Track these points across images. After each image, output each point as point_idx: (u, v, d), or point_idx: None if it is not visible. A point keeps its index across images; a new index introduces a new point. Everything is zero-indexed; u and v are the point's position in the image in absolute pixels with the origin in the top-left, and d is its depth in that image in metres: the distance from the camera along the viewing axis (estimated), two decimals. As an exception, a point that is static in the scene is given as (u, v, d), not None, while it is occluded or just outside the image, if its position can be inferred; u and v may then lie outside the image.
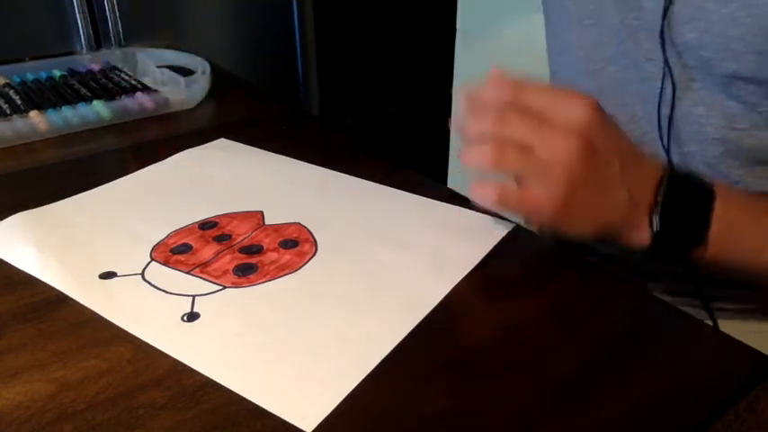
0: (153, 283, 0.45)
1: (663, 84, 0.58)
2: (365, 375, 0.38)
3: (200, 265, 0.47)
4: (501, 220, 0.53)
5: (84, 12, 1.12)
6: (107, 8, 1.14)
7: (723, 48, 0.53)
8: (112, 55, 0.89)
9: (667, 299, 0.48)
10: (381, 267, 0.47)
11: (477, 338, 0.42)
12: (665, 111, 0.58)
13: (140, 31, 1.20)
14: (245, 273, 0.46)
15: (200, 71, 0.80)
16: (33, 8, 1.10)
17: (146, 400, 0.36)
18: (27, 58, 0.85)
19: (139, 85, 0.78)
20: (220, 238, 0.50)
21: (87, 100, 0.73)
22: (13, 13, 1.08)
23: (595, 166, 0.45)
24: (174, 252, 0.49)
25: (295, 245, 0.50)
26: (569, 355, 0.40)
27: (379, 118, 1.73)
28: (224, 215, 0.54)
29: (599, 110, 0.45)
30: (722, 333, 0.42)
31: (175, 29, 1.28)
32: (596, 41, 0.62)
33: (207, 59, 0.84)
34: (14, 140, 0.67)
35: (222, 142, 0.67)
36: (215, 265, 0.47)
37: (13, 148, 0.67)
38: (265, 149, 0.64)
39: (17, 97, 0.73)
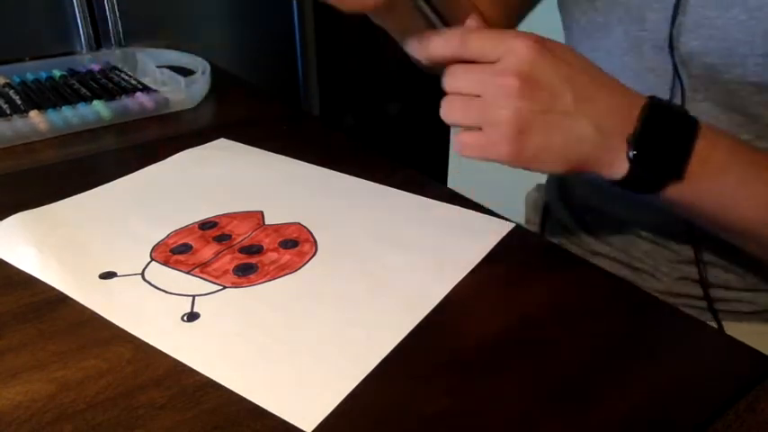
0: (153, 283, 0.45)
1: (672, 93, 0.58)
2: (365, 375, 0.38)
3: (201, 265, 0.47)
4: (501, 220, 0.53)
5: (84, 12, 1.12)
6: (107, 8, 1.14)
7: (728, 53, 0.53)
8: (112, 55, 0.89)
9: (669, 300, 0.48)
10: (381, 267, 0.47)
11: (477, 338, 0.42)
12: None
13: (140, 31, 1.20)
14: (245, 273, 0.46)
15: (200, 71, 0.80)
16: (33, 8, 1.10)
17: (146, 400, 0.36)
18: (27, 58, 0.85)
19: (139, 85, 0.78)
20: (220, 238, 0.50)
21: (87, 100, 0.73)
22: (13, 13, 1.08)
23: (540, 100, 0.44)
24: (174, 252, 0.49)
25: (295, 245, 0.50)
26: (569, 355, 0.40)
27: (379, 118, 1.73)
28: (224, 215, 0.54)
29: (539, 43, 0.45)
30: (722, 333, 0.43)
31: (175, 29, 1.28)
32: (604, 54, 0.62)
33: (207, 59, 0.84)
34: (14, 140, 0.67)
35: (222, 142, 0.67)
36: (215, 265, 0.47)
37: (13, 148, 0.67)
38: (265, 149, 0.64)
39: (17, 97, 0.73)
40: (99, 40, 1.15)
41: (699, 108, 0.57)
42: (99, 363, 0.39)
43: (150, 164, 0.62)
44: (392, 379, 0.38)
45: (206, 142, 0.66)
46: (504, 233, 0.52)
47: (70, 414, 0.35)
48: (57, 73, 0.82)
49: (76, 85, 0.78)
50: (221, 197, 0.56)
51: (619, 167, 0.46)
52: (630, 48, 0.59)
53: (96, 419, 0.35)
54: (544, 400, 0.37)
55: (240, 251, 0.49)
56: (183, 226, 0.52)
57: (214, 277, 0.46)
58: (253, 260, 0.48)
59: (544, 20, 0.77)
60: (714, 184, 0.47)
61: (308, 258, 0.48)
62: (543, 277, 0.48)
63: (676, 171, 0.46)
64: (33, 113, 0.70)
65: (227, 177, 0.60)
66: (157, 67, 0.82)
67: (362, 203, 0.56)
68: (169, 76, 0.80)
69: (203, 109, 0.77)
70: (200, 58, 0.84)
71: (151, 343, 0.40)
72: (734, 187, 0.47)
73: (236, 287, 0.45)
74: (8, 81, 0.78)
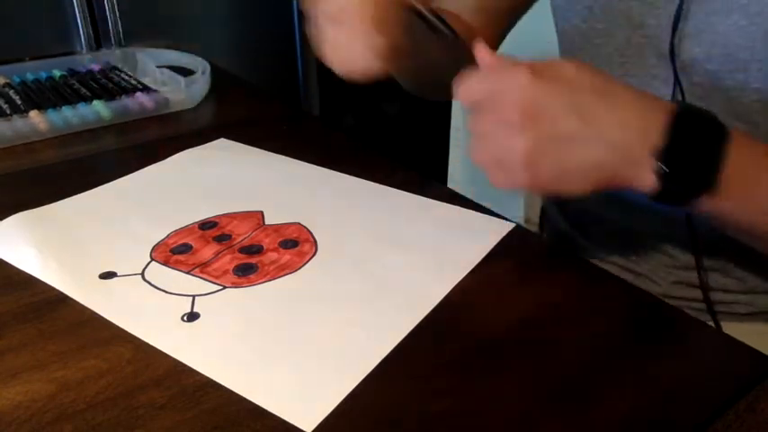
0: (153, 283, 0.45)
1: (673, 101, 0.58)
2: (365, 375, 0.38)
3: (201, 265, 0.47)
4: (501, 221, 0.53)
5: (84, 12, 1.12)
6: (107, 8, 1.14)
7: (730, 59, 0.53)
8: (112, 55, 0.89)
9: (670, 302, 0.48)
10: (381, 267, 0.47)
11: (477, 338, 0.42)
12: None
13: (140, 31, 1.20)
14: (245, 273, 0.46)
15: (200, 71, 0.80)
16: (33, 8, 1.09)
17: (146, 400, 0.36)
18: (27, 58, 0.85)
19: (139, 85, 0.78)
20: (220, 238, 0.50)
21: (87, 100, 0.73)
22: (13, 13, 1.08)
23: (542, 128, 0.44)
24: (174, 252, 0.49)
25: (295, 245, 0.50)
26: (569, 355, 0.40)
27: (379, 118, 1.72)
28: (224, 215, 0.54)
29: (531, 72, 0.44)
30: (722, 333, 0.43)
31: (175, 29, 1.28)
32: (605, 60, 0.62)
33: (207, 59, 0.84)
34: (14, 140, 0.67)
35: (222, 142, 0.67)
36: (215, 265, 0.47)
37: (13, 148, 0.67)
38: (265, 149, 0.64)
39: (17, 97, 0.73)
40: (99, 40, 1.15)
41: None
42: (99, 363, 0.39)
43: (150, 164, 0.62)
44: (392, 379, 0.38)
45: (206, 142, 0.66)
46: (504, 233, 0.52)
47: (70, 414, 0.35)
48: (57, 73, 0.82)
49: (76, 85, 0.78)
50: (221, 197, 0.56)
51: (647, 181, 0.44)
52: (632, 54, 0.59)
53: (96, 419, 0.35)
54: (544, 400, 0.37)
55: (240, 251, 0.49)
56: (182, 226, 0.52)
57: (214, 277, 0.46)
58: (253, 260, 0.48)
59: (535, 28, 0.77)
60: (749, 192, 0.45)
61: (308, 258, 0.48)
62: (543, 277, 0.48)
63: (708, 183, 0.43)
64: (33, 113, 0.70)
65: (227, 177, 0.60)
66: (157, 67, 0.82)
67: (362, 203, 0.56)
68: (169, 76, 0.80)
69: (203, 109, 0.77)
70: (200, 58, 0.84)
71: (151, 343, 0.40)
72: None
73: (236, 287, 0.45)
74: (8, 81, 0.78)
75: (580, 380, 0.38)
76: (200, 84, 0.78)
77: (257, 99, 0.83)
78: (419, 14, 0.50)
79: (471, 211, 0.55)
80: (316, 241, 0.50)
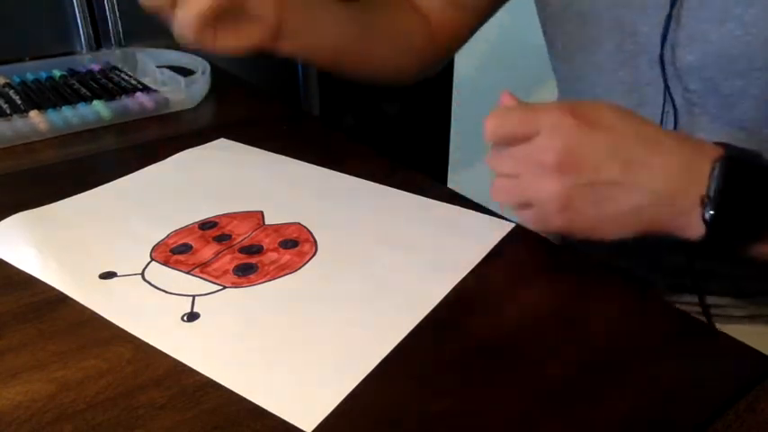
0: (153, 283, 0.45)
1: (664, 108, 0.57)
2: (365, 375, 0.38)
3: (201, 265, 0.47)
4: (501, 220, 0.53)
5: (84, 12, 1.11)
6: (107, 8, 1.14)
7: (727, 67, 0.52)
8: (112, 55, 0.89)
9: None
10: (381, 267, 0.47)
11: (477, 338, 0.42)
12: None
13: (140, 31, 1.19)
14: (245, 273, 0.46)
15: (200, 71, 0.80)
16: (33, 8, 1.09)
17: (146, 400, 0.36)
18: (27, 58, 0.85)
19: (139, 85, 0.78)
20: (220, 238, 0.50)
21: (87, 100, 0.73)
22: (13, 13, 1.08)
23: (583, 173, 0.43)
24: (174, 252, 0.49)
25: (295, 245, 0.50)
26: (569, 355, 0.40)
27: (379, 118, 1.72)
28: (224, 215, 0.54)
29: (572, 114, 0.43)
30: (722, 333, 0.42)
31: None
32: (597, 68, 0.61)
33: (207, 59, 0.84)
34: (14, 140, 0.67)
35: (222, 142, 0.67)
36: (215, 265, 0.47)
37: (13, 148, 0.67)
38: (265, 149, 0.64)
39: (17, 97, 0.73)
40: (99, 40, 1.15)
41: (697, 122, 0.56)
42: (99, 363, 0.39)
43: (150, 164, 0.62)
44: (392, 379, 0.38)
45: (206, 142, 0.66)
46: (504, 233, 0.52)
47: (70, 414, 0.35)
48: (57, 73, 0.82)
49: (76, 85, 0.78)
50: (221, 197, 0.56)
51: (694, 229, 0.43)
52: (624, 61, 0.58)
53: (96, 419, 0.35)
54: (544, 400, 0.37)
55: (240, 251, 0.49)
56: (183, 226, 0.52)
57: (214, 277, 0.46)
58: (253, 260, 0.48)
59: (524, 38, 0.77)
60: None
61: (308, 258, 0.48)
62: (544, 277, 0.48)
63: (759, 230, 0.42)
64: (33, 113, 0.70)
65: (227, 177, 0.60)
66: (157, 67, 0.82)
67: (362, 203, 0.56)
68: (169, 76, 0.80)
69: (203, 109, 0.77)
70: (200, 58, 0.84)
71: (151, 343, 0.40)
72: None
73: (236, 287, 0.45)
74: (8, 81, 0.78)
75: (580, 380, 0.38)
76: (200, 84, 0.78)
77: (257, 99, 0.83)
78: None
79: (471, 211, 0.55)
80: (316, 241, 0.50)
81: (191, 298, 0.44)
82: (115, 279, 0.46)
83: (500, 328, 0.43)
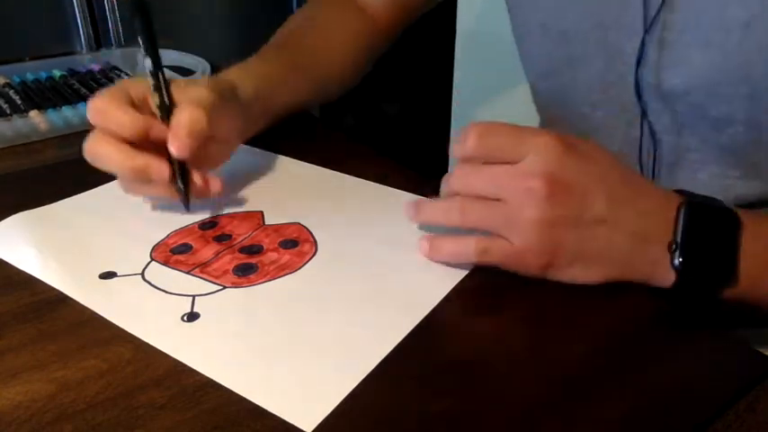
0: (153, 283, 0.45)
1: (642, 130, 0.57)
2: (365, 375, 0.38)
3: (201, 265, 0.47)
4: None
5: (84, 12, 1.11)
6: (107, 8, 1.14)
7: (713, 92, 0.52)
8: (112, 55, 0.89)
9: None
10: (381, 267, 0.47)
11: (478, 338, 0.42)
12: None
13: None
14: (245, 273, 0.46)
15: (200, 71, 0.80)
16: (33, 8, 1.09)
17: (146, 400, 0.36)
18: (27, 58, 0.85)
19: (139, 85, 0.78)
20: (220, 238, 0.50)
21: (87, 100, 0.73)
22: (13, 13, 1.08)
23: (571, 205, 0.41)
24: (174, 252, 0.49)
25: (295, 245, 0.50)
26: (569, 354, 0.40)
27: (379, 118, 1.72)
28: (224, 215, 0.54)
29: (563, 141, 0.42)
30: (722, 333, 0.42)
31: (175, 29, 1.28)
32: (582, 87, 0.61)
33: (207, 59, 0.84)
34: (14, 140, 0.67)
35: (222, 142, 0.67)
36: (215, 265, 0.47)
37: (13, 148, 0.67)
38: (266, 150, 0.63)
39: (17, 97, 0.73)
40: (99, 40, 1.15)
41: (686, 144, 0.56)
42: (99, 363, 0.39)
43: (150, 164, 0.62)
44: (392, 379, 0.38)
45: (206, 142, 0.66)
46: (504, 233, 0.51)
47: (70, 414, 0.35)
48: (57, 73, 0.82)
49: (76, 85, 0.78)
50: (221, 197, 0.56)
51: (663, 277, 0.42)
52: (614, 81, 0.58)
53: (96, 419, 0.35)
54: (544, 400, 0.37)
55: (240, 251, 0.49)
56: (182, 226, 0.52)
57: (214, 277, 0.46)
58: (253, 260, 0.48)
59: (499, 58, 0.77)
60: (766, 273, 0.43)
61: (308, 258, 0.48)
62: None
63: (728, 274, 0.42)
64: (33, 113, 0.70)
65: (228, 177, 0.60)
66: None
67: (362, 203, 0.56)
68: (169, 76, 0.80)
69: (203, 109, 0.77)
70: (200, 58, 0.84)
71: (151, 343, 0.40)
72: None
73: (236, 287, 0.45)
74: (8, 81, 0.78)
75: (580, 380, 0.38)
76: (200, 84, 0.78)
77: (257, 99, 0.83)
78: None
79: (471, 211, 0.55)
80: (316, 241, 0.50)
81: (191, 298, 0.44)
82: (115, 279, 0.46)
83: (500, 328, 0.43)
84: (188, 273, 0.47)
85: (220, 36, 1.37)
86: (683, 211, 0.42)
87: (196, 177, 0.51)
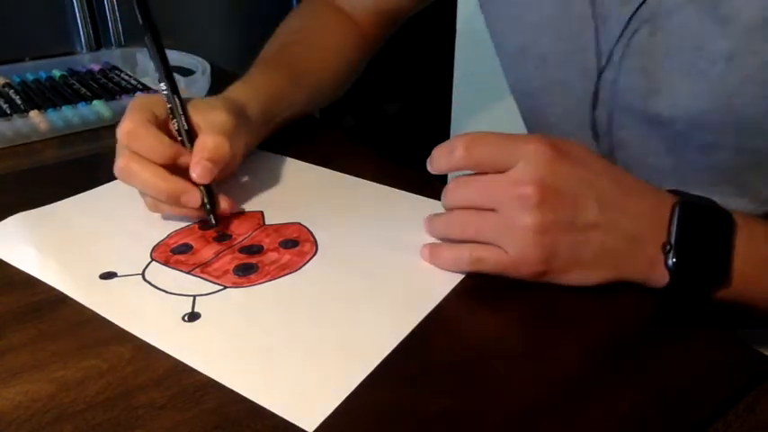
0: (153, 283, 0.45)
1: (615, 151, 0.57)
2: (366, 375, 0.38)
3: (201, 265, 0.47)
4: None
5: (84, 12, 1.12)
6: (107, 8, 1.14)
7: (697, 121, 0.51)
8: (112, 55, 0.89)
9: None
10: (382, 267, 0.47)
11: (478, 338, 0.42)
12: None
13: (140, 32, 1.20)
14: (246, 273, 0.46)
15: (200, 71, 0.80)
16: (33, 8, 1.09)
17: (146, 400, 0.36)
18: (27, 58, 0.85)
19: (139, 85, 0.78)
20: (221, 238, 0.50)
21: (87, 100, 0.73)
22: (13, 13, 1.08)
23: (564, 211, 0.41)
24: (174, 252, 0.49)
25: (295, 245, 0.50)
26: (569, 355, 0.40)
27: (379, 118, 1.72)
28: (224, 215, 0.53)
29: (554, 147, 0.42)
30: (722, 333, 0.42)
31: (175, 29, 1.28)
32: (568, 110, 0.61)
33: (207, 59, 0.84)
34: (15, 140, 0.67)
35: (222, 142, 0.67)
36: (215, 265, 0.47)
37: (14, 148, 0.67)
38: (265, 150, 0.63)
39: (17, 97, 0.73)
40: (99, 40, 1.15)
41: (675, 165, 0.56)
42: (99, 363, 0.39)
43: (150, 164, 0.62)
44: (392, 379, 0.38)
45: (206, 142, 0.66)
46: (504, 233, 0.51)
47: (70, 414, 0.35)
48: (57, 73, 0.82)
49: (76, 85, 0.78)
50: (215, 191, 0.56)
51: (658, 277, 0.43)
52: (598, 105, 0.58)
53: (96, 419, 0.35)
54: (544, 400, 0.37)
55: (240, 251, 0.49)
56: (183, 226, 0.52)
57: (214, 277, 0.46)
58: (253, 260, 0.48)
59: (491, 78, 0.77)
60: (762, 276, 0.43)
61: (308, 258, 0.48)
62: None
63: (722, 275, 0.42)
64: (33, 113, 0.70)
65: (228, 178, 0.60)
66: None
67: (362, 203, 0.56)
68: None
69: (203, 109, 0.77)
70: (200, 58, 0.84)
71: (151, 343, 0.40)
72: None
73: (236, 287, 0.45)
74: (8, 81, 0.78)
75: (580, 380, 0.38)
76: (200, 84, 0.78)
77: (257, 99, 0.83)
78: None
79: (471, 211, 0.55)
80: (316, 241, 0.50)
81: (191, 298, 0.44)
82: (115, 279, 0.46)
83: (500, 328, 0.43)
84: (188, 273, 0.47)
85: (220, 36, 1.38)
86: (676, 211, 0.42)
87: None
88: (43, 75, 0.82)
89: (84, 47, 1.13)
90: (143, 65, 0.86)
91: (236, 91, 0.59)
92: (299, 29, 0.74)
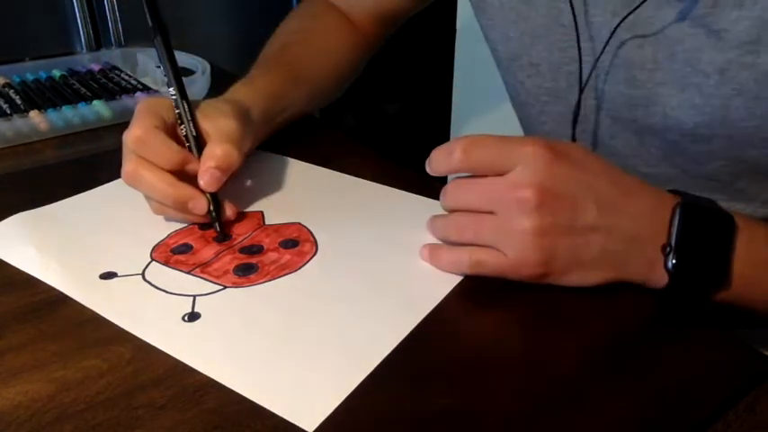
0: (153, 283, 0.45)
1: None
2: (366, 375, 0.38)
3: (201, 265, 0.47)
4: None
5: (84, 12, 1.12)
6: (107, 8, 1.14)
7: (691, 133, 0.51)
8: (112, 55, 0.89)
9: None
10: (381, 267, 0.47)
11: (478, 338, 0.42)
12: None
13: (140, 31, 1.20)
14: (246, 273, 0.46)
15: (200, 71, 0.80)
16: (33, 8, 1.09)
17: (146, 400, 0.36)
18: (27, 58, 0.85)
19: (139, 85, 0.78)
20: (219, 239, 0.50)
21: (87, 100, 0.73)
22: (13, 13, 1.08)
23: (562, 214, 0.41)
24: (174, 252, 0.49)
25: (295, 245, 0.50)
26: (569, 355, 0.40)
27: (379, 118, 1.73)
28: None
29: (552, 149, 0.42)
30: (722, 333, 0.42)
31: (175, 29, 1.28)
32: (557, 119, 0.61)
33: (207, 59, 0.84)
34: (15, 140, 0.67)
35: (222, 142, 0.67)
36: (215, 265, 0.47)
37: (14, 148, 0.67)
38: (265, 149, 0.63)
39: (17, 97, 0.73)
40: (99, 40, 1.15)
41: (666, 174, 0.56)
42: (99, 363, 0.39)
43: (150, 164, 0.62)
44: (392, 379, 0.38)
45: (206, 142, 0.66)
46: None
47: (70, 414, 0.35)
48: (57, 73, 0.82)
49: (76, 85, 0.78)
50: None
51: (657, 278, 0.42)
52: (588, 114, 0.58)
53: (96, 419, 0.35)
54: (544, 400, 0.37)
55: (240, 251, 0.49)
56: (183, 226, 0.52)
57: (215, 277, 0.46)
58: (253, 260, 0.48)
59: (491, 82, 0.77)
60: (762, 278, 0.43)
61: (308, 258, 0.48)
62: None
63: (721, 277, 0.42)
64: (33, 113, 0.70)
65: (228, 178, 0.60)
66: (157, 67, 0.82)
67: (362, 204, 0.56)
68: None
69: (203, 109, 0.77)
70: (200, 58, 0.84)
71: (151, 343, 0.40)
72: None
73: (236, 287, 0.45)
74: (8, 81, 0.78)
75: (580, 380, 0.38)
76: (200, 84, 0.78)
77: (257, 99, 0.83)
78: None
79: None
80: (316, 241, 0.50)
81: (191, 298, 0.44)
82: (115, 279, 0.46)
83: (500, 328, 0.43)
84: (188, 273, 0.47)
85: (220, 36, 1.38)
86: (677, 212, 0.42)
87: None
88: (43, 75, 0.82)
89: (84, 47, 1.14)
90: (143, 65, 0.86)
91: (239, 92, 0.59)
92: (298, 29, 0.74)
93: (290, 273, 0.47)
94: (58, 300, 0.44)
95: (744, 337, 0.42)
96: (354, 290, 0.45)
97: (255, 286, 0.45)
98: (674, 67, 0.50)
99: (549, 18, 0.57)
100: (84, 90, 0.76)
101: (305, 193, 0.58)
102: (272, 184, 0.59)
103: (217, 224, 0.50)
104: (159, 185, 0.49)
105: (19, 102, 0.72)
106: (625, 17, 0.50)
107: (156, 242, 0.50)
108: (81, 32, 1.13)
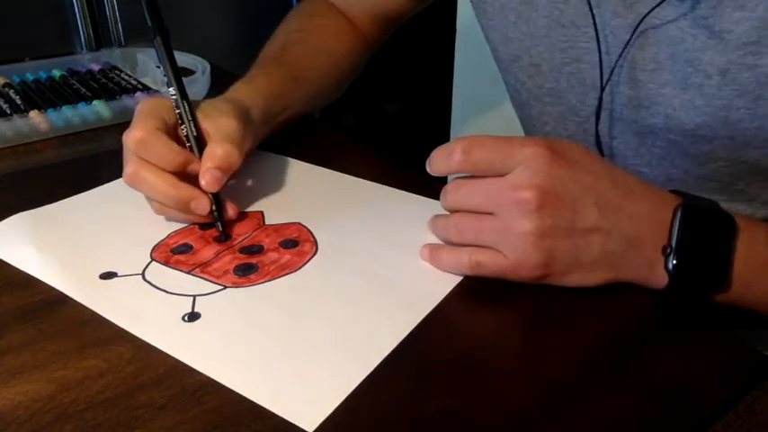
0: (153, 283, 0.45)
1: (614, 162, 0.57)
2: (366, 375, 0.38)
3: (201, 265, 0.47)
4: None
5: (84, 12, 1.12)
6: (107, 8, 1.14)
7: (692, 134, 0.51)
8: (112, 55, 0.89)
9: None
10: (381, 267, 0.47)
11: (478, 338, 0.42)
12: None
13: (140, 31, 1.20)
14: (246, 273, 0.46)
15: (200, 71, 0.80)
16: (33, 8, 1.09)
17: (146, 400, 0.36)
18: (27, 58, 0.85)
19: (139, 85, 0.78)
20: (221, 239, 0.50)
21: (87, 100, 0.73)
22: (13, 14, 1.08)
23: (563, 215, 0.41)
24: (174, 252, 0.49)
25: (295, 245, 0.50)
26: (569, 355, 0.40)
27: (379, 118, 1.73)
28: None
29: (552, 150, 0.42)
30: (722, 333, 0.42)
31: (175, 29, 1.28)
32: (558, 119, 0.61)
33: (207, 59, 0.84)
34: (15, 140, 0.67)
35: (222, 142, 0.67)
36: (215, 265, 0.47)
37: (14, 148, 0.67)
38: (266, 150, 0.63)
39: (17, 97, 0.73)
40: (99, 40, 1.15)
41: (666, 174, 0.56)
42: (99, 363, 0.39)
43: (150, 164, 0.62)
44: (392, 379, 0.38)
45: (206, 142, 0.66)
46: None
47: (70, 414, 0.35)
48: (57, 73, 0.82)
49: (76, 85, 0.78)
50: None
51: (657, 279, 0.42)
52: (589, 115, 0.58)
53: (96, 419, 0.35)
54: (544, 400, 0.37)
55: (240, 251, 0.49)
56: (183, 226, 0.52)
57: (215, 277, 0.46)
58: (253, 260, 0.48)
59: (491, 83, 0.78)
60: (763, 279, 0.43)
61: (308, 258, 0.48)
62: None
63: (722, 278, 0.42)
64: (33, 113, 0.70)
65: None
66: (157, 67, 0.82)
67: (362, 203, 0.56)
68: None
69: (203, 109, 0.77)
70: (200, 58, 0.84)
71: (151, 343, 0.40)
72: None
73: (236, 287, 0.45)
74: (8, 81, 0.78)
75: (580, 380, 0.38)
76: (200, 84, 0.78)
77: (257, 99, 0.83)
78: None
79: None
80: (316, 241, 0.50)
81: (191, 298, 0.44)
82: (115, 279, 0.46)
83: (500, 328, 0.43)
84: (188, 273, 0.47)
85: (220, 36, 1.38)
86: (678, 214, 0.42)
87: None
88: (43, 75, 0.82)
89: (84, 47, 1.14)
90: (143, 65, 0.86)
91: (239, 92, 0.59)
92: (298, 29, 0.74)
93: (290, 273, 0.47)
94: (57, 300, 0.44)
95: (744, 338, 0.42)
96: (354, 290, 0.45)
97: (255, 286, 0.45)
98: (676, 68, 0.50)
99: (549, 18, 0.57)
100: (84, 90, 0.76)
101: (305, 193, 0.58)
102: (272, 184, 0.59)
103: (219, 224, 0.50)
104: (161, 187, 0.49)
105: (19, 102, 0.72)
106: (642, 20, 0.50)
107: (156, 242, 0.50)
108: (81, 32, 1.13)
